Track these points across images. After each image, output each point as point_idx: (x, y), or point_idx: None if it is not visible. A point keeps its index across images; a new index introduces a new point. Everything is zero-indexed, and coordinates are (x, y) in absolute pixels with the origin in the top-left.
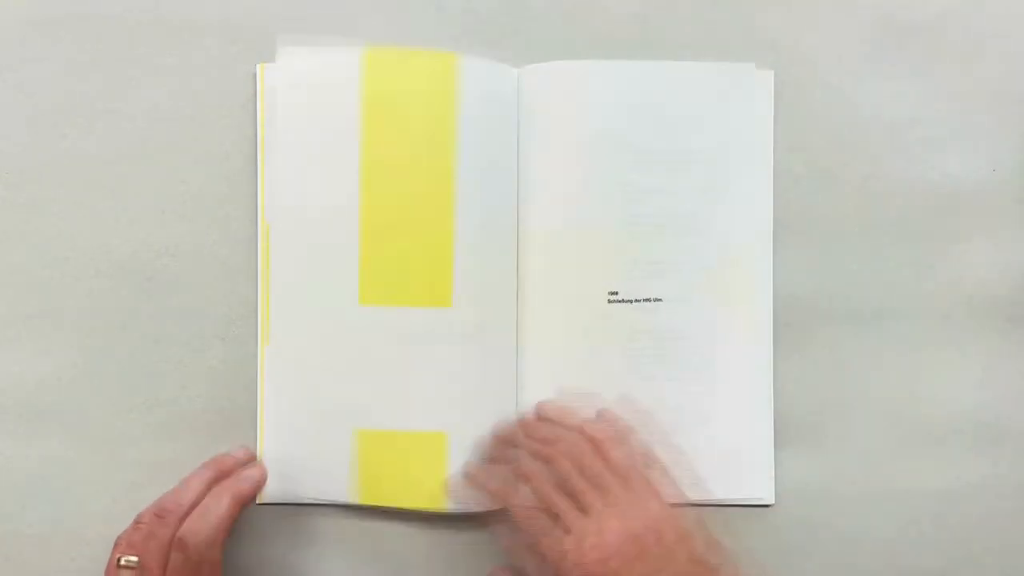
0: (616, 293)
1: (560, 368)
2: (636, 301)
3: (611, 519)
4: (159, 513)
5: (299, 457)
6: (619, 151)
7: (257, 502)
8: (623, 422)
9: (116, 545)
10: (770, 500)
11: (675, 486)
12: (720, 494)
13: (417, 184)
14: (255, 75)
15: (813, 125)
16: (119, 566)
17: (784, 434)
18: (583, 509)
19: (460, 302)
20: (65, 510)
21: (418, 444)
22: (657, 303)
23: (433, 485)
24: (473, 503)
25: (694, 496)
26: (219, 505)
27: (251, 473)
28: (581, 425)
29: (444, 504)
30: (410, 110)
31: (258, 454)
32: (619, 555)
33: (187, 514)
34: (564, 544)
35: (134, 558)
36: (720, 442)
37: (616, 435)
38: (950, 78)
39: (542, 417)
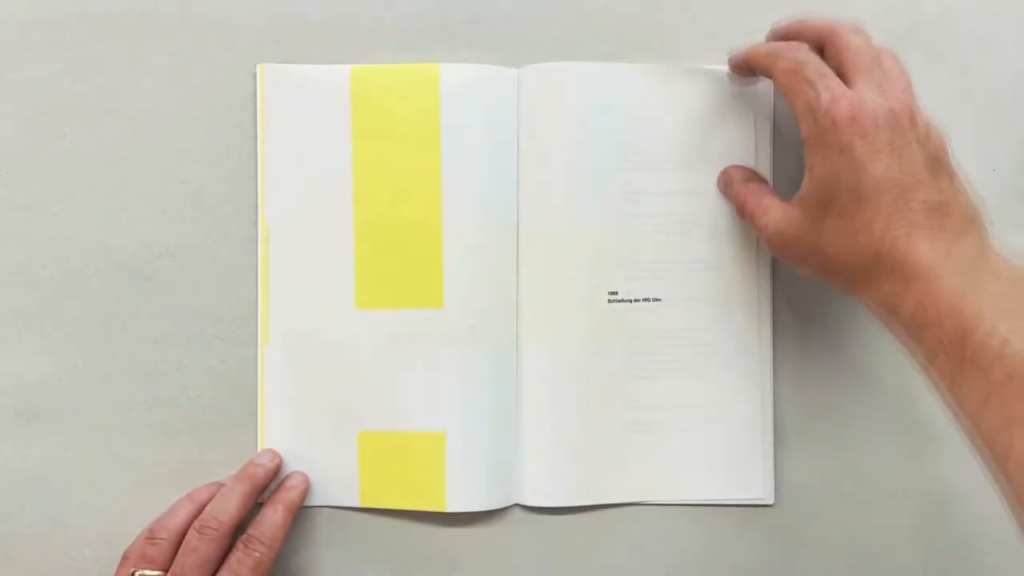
0: (616, 293)
1: (560, 368)
2: (636, 301)
3: (873, 92)
4: (201, 529)
5: (299, 458)
6: (618, 151)
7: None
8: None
9: (125, 559)
10: (770, 500)
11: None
12: (720, 494)
13: (407, 188)
14: (255, 75)
15: None
16: None
17: (784, 434)
18: (849, 84)
19: (452, 303)
20: (65, 510)
21: (418, 444)
22: (657, 303)
23: (433, 485)
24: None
25: (694, 495)
26: (275, 515)
27: (297, 482)
28: (859, 27)
29: (444, 504)
30: (397, 114)
31: (276, 492)
32: (871, 119)
33: (230, 531)
34: (820, 97)
35: (153, 572)
36: (720, 442)
37: (892, 52)
38: (950, 78)
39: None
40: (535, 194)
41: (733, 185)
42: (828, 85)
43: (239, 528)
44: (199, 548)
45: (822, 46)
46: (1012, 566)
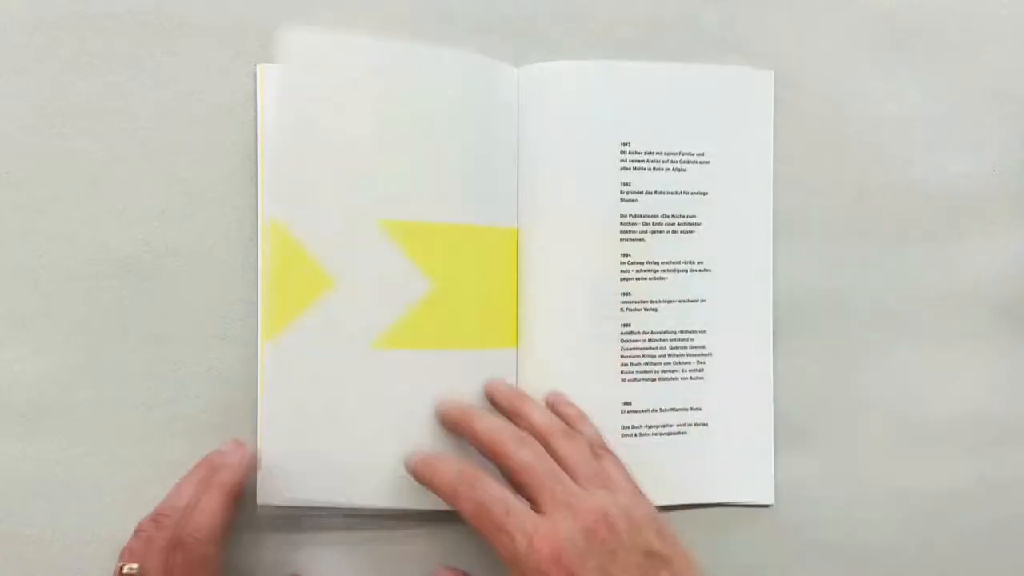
0: (615, 293)
1: (559, 368)
2: (636, 301)
3: (562, 514)
4: (156, 518)
5: (299, 458)
6: (618, 152)
7: (258, 503)
8: (574, 407)
9: (120, 556)
10: (770, 500)
11: (627, 475)
12: (720, 494)
13: (414, 187)
14: (255, 75)
15: (813, 125)
16: (121, 573)
17: (784, 434)
18: (534, 504)
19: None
20: (65, 510)
21: (419, 444)
22: (657, 303)
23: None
24: (422, 502)
25: (694, 496)
26: (210, 500)
27: (231, 460)
28: (530, 414)
29: (444, 503)
30: (398, 112)
31: (258, 454)
32: (572, 550)
33: (184, 516)
34: (516, 543)
35: (135, 566)
36: (720, 442)
37: (565, 427)
38: (950, 78)
39: (491, 399)
40: (535, 194)
41: None
42: (519, 523)
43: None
44: (155, 537)
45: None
46: (1013, 566)
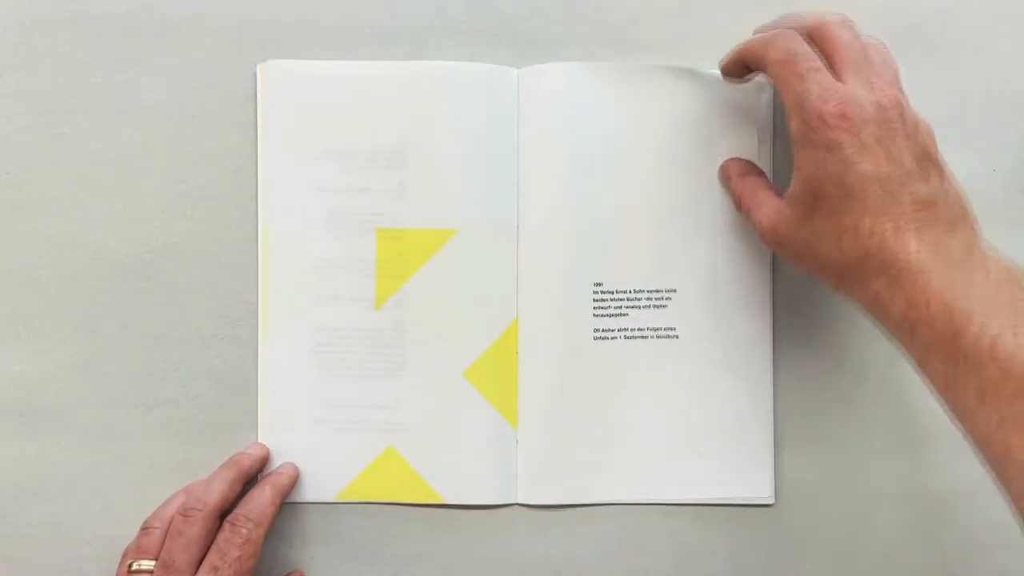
0: (615, 293)
1: (560, 368)
2: (636, 302)
3: (862, 86)
4: (185, 513)
5: (298, 458)
6: (619, 152)
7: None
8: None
9: (124, 555)
10: (770, 500)
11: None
12: (720, 494)
13: (414, 187)
14: (255, 75)
15: None
16: (130, 571)
17: (784, 434)
18: (839, 77)
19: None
20: (65, 510)
21: (418, 443)
22: (657, 304)
23: (432, 485)
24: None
25: (694, 496)
26: (262, 493)
27: (286, 469)
28: (849, 21)
29: (441, 498)
30: (398, 112)
31: (264, 475)
32: (858, 114)
33: (214, 512)
34: (810, 91)
35: (148, 562)
36: (720, 442)
37: (881, 43)
38: (950, 78)
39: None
40: (535, 195)
41: (731, 180)
42: (819, 80)
43: (227, 512)
44: (184, 531)
45: (810, 41)
46: (1013, 566)
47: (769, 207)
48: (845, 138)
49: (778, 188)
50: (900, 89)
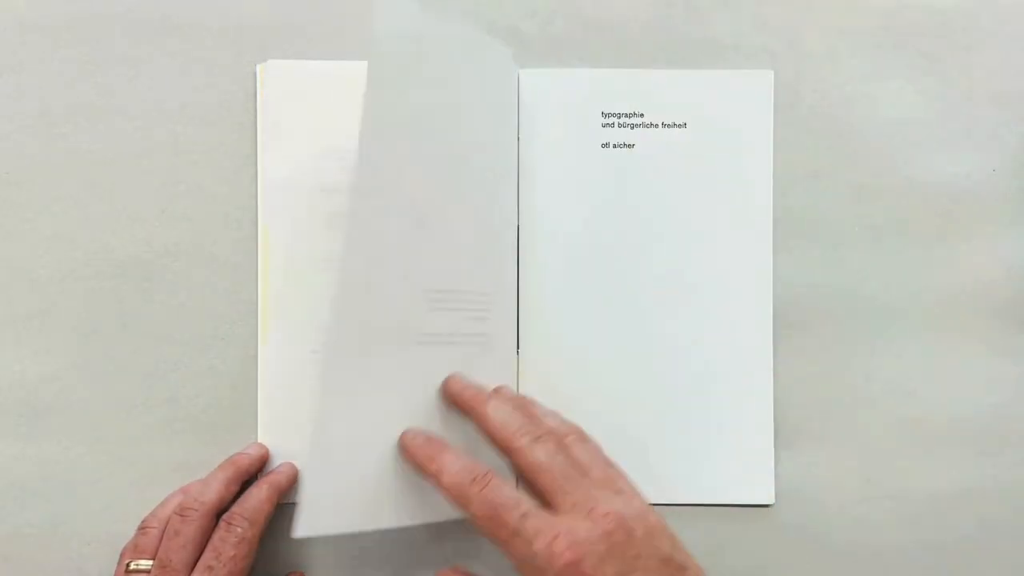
0: (615, 293)
1: (561, 369)
2: (636, 302)
3: (580, 517)
4: (181, 512)
5: (298, 458)
6: (619, 154)
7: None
8: (573, 424)
9: (123, 554)
10: (770, 500)
11: (633, 485)
12: (720, 494)
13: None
14: (255, 75)
15: (813, 125)
16: (127, 571)
17: (784, 434)
18: (550, 506)
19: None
20: (65, 510)
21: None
22: (657, 304)
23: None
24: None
25: (694, 496)
26: (259, 492)
27: (284, 468)
28: (542, 418)
29: (442, 514)
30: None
31: (263, 474)
32: (592, 554)
33: (211, 512)
34: (534, 547)
35: (145, 562)
36: (720, 442)
37: (579, 429)
38: (950, 78)
39: (499, 399)
40: (536, 196)
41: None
42: (535, 527)
43: (224, 511)
44: (181, 531)
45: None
46: (1014, 566)
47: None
48: None
49: (779, 192)
50: (616, 488)
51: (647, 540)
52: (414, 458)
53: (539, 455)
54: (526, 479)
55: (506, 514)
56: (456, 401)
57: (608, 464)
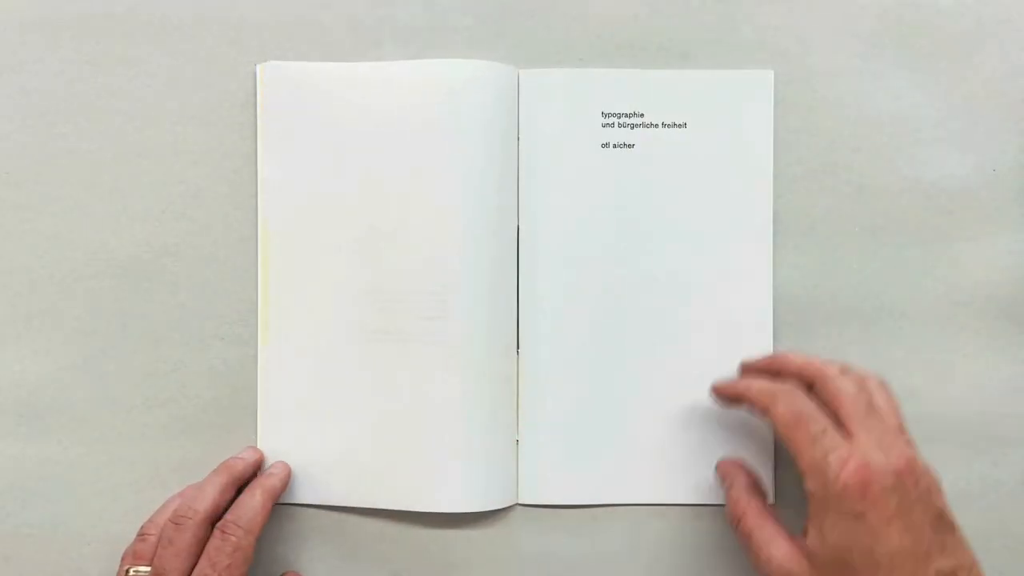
0: (616, 294)
1: (561, 369)
2: (636, 302)
3: (875, 450)
4: (176, 520)
5: (297, 458)
6: (619, 154)
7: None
8: (877, 374)
9: (123, 559)
10: (770, 500)
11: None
12: (720, 494)
13: (408, 186)
14: (255, 75)
15: (813, 125)
16: None
17: None
18: (847, 432)
19: (453, 303)
20: (65, 510)
21: (419, 445)
22: (657, 304)
23: (433, 485)
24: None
25: (694, 496)
26: (253, 498)
27: (277, 470)
28: (844, 366)
29: (442, 505)
30: (399, 112)
31: (256, 478)
32: (879, 485)
33: (206, 519)
34: (828, 463)
35: (144, 568)
36: (721, 442)
37: (881, 381)
38: (950, 78)
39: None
40: (536, 197)
41: (733, 487)
42: (833, 444)
43: (220, 518)
44: (175, 539)
45: (810, 384)
46: (1013, 566)
47: (782, 547)
48: (870, 509)
49: (778, 195)
50: (907, 439)
51: (928, 493)
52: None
53: (846, 385)
54: (829, 404)
55: (809, 423)
56: (724, 392)
57: (900, 416)
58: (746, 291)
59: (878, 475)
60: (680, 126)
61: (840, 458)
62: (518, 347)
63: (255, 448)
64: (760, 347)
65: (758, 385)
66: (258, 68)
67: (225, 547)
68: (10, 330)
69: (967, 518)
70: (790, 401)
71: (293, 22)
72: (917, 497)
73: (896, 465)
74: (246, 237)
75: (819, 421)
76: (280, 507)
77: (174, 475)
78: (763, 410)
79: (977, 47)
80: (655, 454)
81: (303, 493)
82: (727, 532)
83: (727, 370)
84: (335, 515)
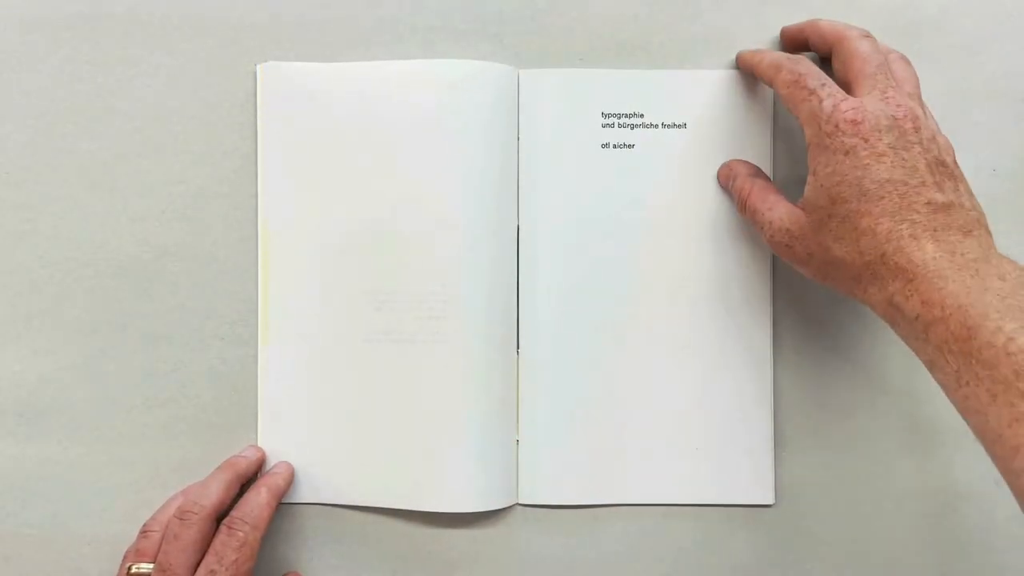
0: (616, 294)
1: (561, 369)
2: (636, 302)
3: (875, 97)
4: (181, 516)
5: (297, 457)
6: (619, 154)
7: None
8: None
9: (125, 557)
10: (770, 500)
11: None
12: (720, 495)
13: (408, 186)
14: (255, 75)
15: None
16: (129, 574)
17: (784, 434)
18: (852, 91)
19: (453, 303)
20: (65, 510)
21: (419, 444)
22: (657, 305)
23: (433, 485)
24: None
25: (694, 496)
26: (259, 496)
27: (281, 469)
28: (868, 33)
29: (444, 504)
30: (398, 112)
31: (260, 476)
32: (873, 124)
33: (211, 515)
34: (823, 104)
35: (147, 565)
36: (720, 442)
37: (904, 56)
38: (950, 78)
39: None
40: (536, 196)
41: (736, 179)
42: (830, 92)
43: (223, 515)
44: (180, 534)
45: (830, 51)
46: (1013, 566)
47: (781, 209)
48: (860, 143)
49: (777, 184)
50: (919, 102)
51: (929, 141)
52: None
53: (864, 46)
54: (844, 64)
55: (809, 80)
56: (747, 63)
57: (916, 85)
58: (746, 291)
59: (871, 115)
60: (680, 126)
61: (835, 101)
62: (518, 347)
63: (257, 447)
64: (760, 347)
65: (769, 57)
66: (258, 68)
67: (232, 542)
68: (10, 330)
69: (967, 518)
70: (792, 67)
71: (293, 22)
72: (917, 140)
73: (894, 111)
74: (246, 237)
75: (819, 77)
76: (280, 506)
77: (174, 475)
78: (769, 81)
79: (977, 48)
80: (655, 454)
81: (303, 492)
82: (728, 532)
83: (727, 370)
84: (335, 514)
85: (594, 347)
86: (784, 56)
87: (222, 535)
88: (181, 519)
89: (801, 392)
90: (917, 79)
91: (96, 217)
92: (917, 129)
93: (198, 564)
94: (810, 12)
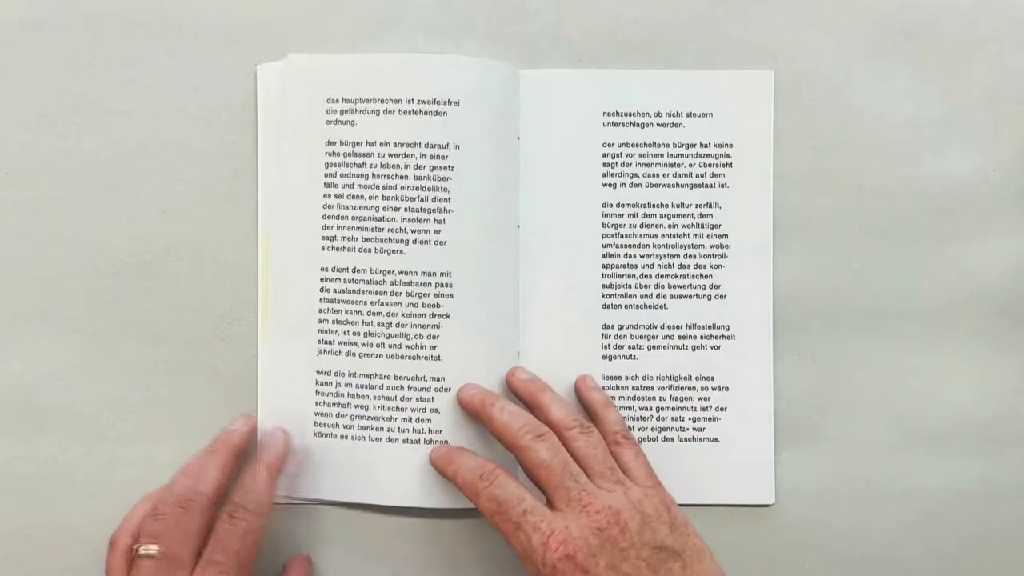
0: (616, 296)
1: (560, 368)
2: (636, 303)
3: (575, 513)
4: (182, 504)
5: (299, 457)
6: (619, 154)
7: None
8: (600, 392)
9: (113, 543)
10: (770, 500)
11: (645, 464)
12: (720, 494)
13: (418, 189)
14: (255, 75)
15: (813, 125)
16: (137, 556)
17: (784, 434)
18: (549, 501)
19: (454, 303)
20: (65, 510)
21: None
22: (658, 305)
23: (434, 484)
24: (443, 500)
25: (694, 496)
26: (259, 479)
27: (276, 440)
28: (548, 407)
29: (442, 501)
30: (398, 111)
31: (257, 454)
32: (584, 549)
33: (212, 500)
34: (532, 542)
35: (154, 547)
36: (720, 442)
37: (582, 422)
38: (950, 78)
39: (511, 388)
40: (536, 196)
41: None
42: (534, 523)
43: (225, 495)
44: (182, 522)
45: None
46: (1012, 566)
47: None
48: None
49: (779, 191)
50: (612, 480)
51: (642, 531)
52: (436, 464)
53: (541, 453)
54: (531, 476)
55: (510, 510)
56: (468, 407)
57: (619, 444)
58: (746, 291)
59: (580, 540)
60: (680, 126)
61: (542, 538)
62: (518, 346)
63: (248, 417)
64: (760, 347)
65: (463, 475)
66: (258, 68)
67: (235, 531)
68: (10, 330)
69: (967, 518)
70: (490, 491)
71: (293, 22)
72: (629, 543)
73: (598, 523)
74: (246, 237)
75: (519, 504)
76: (281, 505)
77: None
78: (469, 497)
79: (977, 47)
80: (655, 454)
81: (304, 491)
82: (728, 532)
83: (727, 370)
84: (336, 513)
85: (594, 346)
86: (478, 471)
87: (224, 524)
88: (182, 507)
89: (801, 392)
90: (602, 445)
91: (96, 217)
92: (624, 529)
93: (201, 550)
94: (810, 12)
